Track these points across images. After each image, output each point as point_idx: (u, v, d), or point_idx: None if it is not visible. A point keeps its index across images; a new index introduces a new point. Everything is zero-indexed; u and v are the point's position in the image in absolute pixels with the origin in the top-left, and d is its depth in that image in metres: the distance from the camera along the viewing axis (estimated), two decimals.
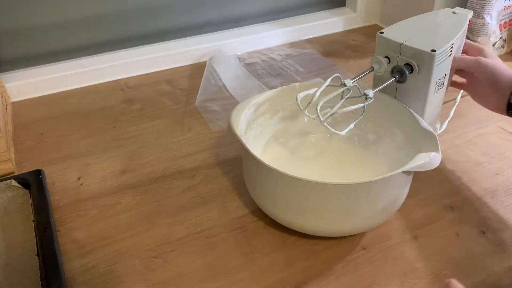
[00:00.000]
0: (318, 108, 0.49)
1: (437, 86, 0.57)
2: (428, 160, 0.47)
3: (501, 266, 0.50)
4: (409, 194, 0.56)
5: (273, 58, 0.94)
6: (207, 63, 0.90)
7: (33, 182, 0.60)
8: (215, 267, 0.50)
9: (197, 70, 0.90)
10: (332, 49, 0.98)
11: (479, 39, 0.88)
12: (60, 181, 0.63)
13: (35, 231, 0.53)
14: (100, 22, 0.88)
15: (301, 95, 0.51)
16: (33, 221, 0.55)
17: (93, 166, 0.66)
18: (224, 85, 0.83)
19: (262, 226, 0.55)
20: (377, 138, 0.62)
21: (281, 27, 1.01)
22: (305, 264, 0.50)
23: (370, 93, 0.53)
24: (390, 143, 0.60)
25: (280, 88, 0.62)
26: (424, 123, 0.53)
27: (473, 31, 0.89)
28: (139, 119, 0.76)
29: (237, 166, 0.64)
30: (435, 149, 0.48)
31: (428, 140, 0.50)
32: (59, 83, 0.84)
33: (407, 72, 0.55)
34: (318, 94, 0.50)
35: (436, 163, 0.48)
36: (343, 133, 0.51)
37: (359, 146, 0.64)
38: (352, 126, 0.53)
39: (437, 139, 0.50)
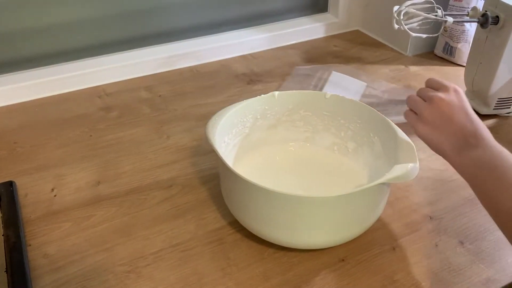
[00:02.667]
0: (402, 13, 0.68)
1: None
2: (406, 171, 0.46)
3: (480, 277, 0.50)
4: (388, 204, 0.55)
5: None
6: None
7: (3, 195, 0.58)
8: (190, 282, 0.49)
9: (177, 76, 0.89)
10: (314, 55, 0.97)
11: (459, 45, 0.89)
12: (33, 193, 0.61)
13: (4, 246, 0.51)
14: (77, 27, 0.86)
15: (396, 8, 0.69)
16: (2, 235, 0.53)
17: (68, 177, 0.64)
18: None
19: (239, 239, 0.54)
20: (357, 147, 0.61)
21: (262, 33, 1.00)
22: (283, 278, 0.49)
23: (450, 19, 0.70)
24: (369, 152, 0.59)
25: (259, 96, 0.61)
26: (402, 133, 0.52)
27: (453, 38, 0.89)
28: (117, 127, 0.75)
29: (215, 176, 0.63)
30: (413, 160, 0.48)
31: (406, 151, 0.50)
32: (34, 90, 0.82)
33: (490, 19, 0.68)
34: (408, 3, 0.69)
35: (413, 174, 0.47)
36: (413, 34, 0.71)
37: (339, 154, 0.63)
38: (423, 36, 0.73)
39: (415, 150, 0.49)
